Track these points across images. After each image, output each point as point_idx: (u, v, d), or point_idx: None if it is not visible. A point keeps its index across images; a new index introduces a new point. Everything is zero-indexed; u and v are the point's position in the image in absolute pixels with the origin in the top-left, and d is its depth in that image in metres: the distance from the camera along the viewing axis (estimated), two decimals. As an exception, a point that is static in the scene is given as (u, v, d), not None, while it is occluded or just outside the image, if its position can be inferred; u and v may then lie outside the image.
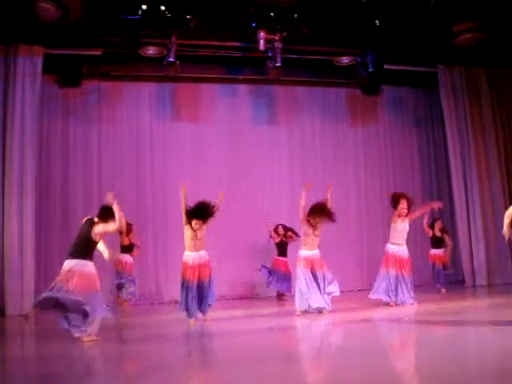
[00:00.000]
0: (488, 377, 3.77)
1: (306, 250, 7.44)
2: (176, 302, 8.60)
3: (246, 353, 5.01)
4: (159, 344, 5.68)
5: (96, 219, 5.84)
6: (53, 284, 5.60)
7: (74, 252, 5.75)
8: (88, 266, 5.72)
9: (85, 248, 5.78)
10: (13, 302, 8.46)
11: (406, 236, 8.00)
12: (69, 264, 5.66)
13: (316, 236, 7.43)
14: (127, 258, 9.14)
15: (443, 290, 9.23)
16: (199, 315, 6.93)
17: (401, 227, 7.94)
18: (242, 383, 4.00)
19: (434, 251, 9.45)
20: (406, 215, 7.93)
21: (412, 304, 7.77)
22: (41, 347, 6.06)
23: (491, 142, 10.76)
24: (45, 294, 5.59)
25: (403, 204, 7.86)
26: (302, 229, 7.52)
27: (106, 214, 5.82)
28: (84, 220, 5.95)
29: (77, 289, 5.52)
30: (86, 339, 5.56)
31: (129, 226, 8.32)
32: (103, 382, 4.33)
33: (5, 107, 8.80)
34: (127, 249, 9.16)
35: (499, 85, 10.89)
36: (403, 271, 7.88)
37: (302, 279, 7.29)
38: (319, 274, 7.34)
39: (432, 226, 9.48)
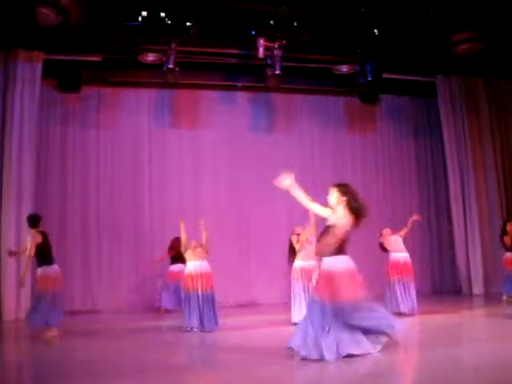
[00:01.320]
0: None
1: (301, 261, 7.35)
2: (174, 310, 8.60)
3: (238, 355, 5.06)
4: (159, 348, 5.67)
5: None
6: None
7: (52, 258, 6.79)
8: None
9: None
10: (8, 307, 8.47)
11: (402, 243, 8.06)
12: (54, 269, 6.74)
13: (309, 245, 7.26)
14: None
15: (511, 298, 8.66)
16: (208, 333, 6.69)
17: (393, 238, 8.12)
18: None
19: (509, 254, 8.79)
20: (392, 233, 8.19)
21: (404, 313, 7.45)
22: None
23: (489, 152, 10.80)
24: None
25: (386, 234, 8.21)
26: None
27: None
28: (41, 230, 6.89)
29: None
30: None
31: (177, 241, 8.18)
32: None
33: (4, 112, 8.83)
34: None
35: (497, 94, 10.95)
36: (404, 278, 7.86)
37: (292, 291, 7.30)
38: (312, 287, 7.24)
39: (505, 231, 8.82)
